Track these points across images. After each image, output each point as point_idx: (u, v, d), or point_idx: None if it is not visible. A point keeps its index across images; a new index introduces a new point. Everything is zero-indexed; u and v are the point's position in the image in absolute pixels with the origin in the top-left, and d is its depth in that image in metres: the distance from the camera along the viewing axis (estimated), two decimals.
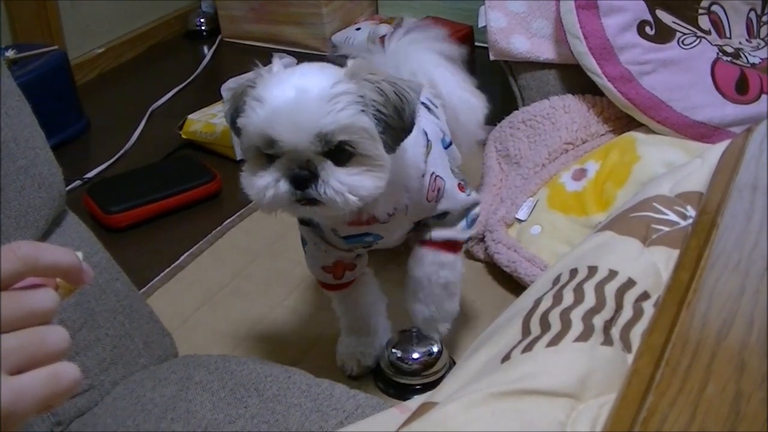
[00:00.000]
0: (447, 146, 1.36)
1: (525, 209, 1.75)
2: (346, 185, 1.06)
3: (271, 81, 1.07)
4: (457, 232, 1.34)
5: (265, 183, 1.08)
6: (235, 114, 1.12)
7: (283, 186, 1.07)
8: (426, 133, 1.26)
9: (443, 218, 1.32)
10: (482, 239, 1.75)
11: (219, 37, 3.05)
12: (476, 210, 1.36)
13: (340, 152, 1.06)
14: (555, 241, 1.66)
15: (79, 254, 0.58)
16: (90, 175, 2.21)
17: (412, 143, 1.19)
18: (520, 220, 1.74)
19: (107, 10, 2.85)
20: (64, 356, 0.54)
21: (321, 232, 1.30)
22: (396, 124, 1.08)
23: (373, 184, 1.08)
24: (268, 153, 1.07)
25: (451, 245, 1.35)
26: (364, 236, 1.26)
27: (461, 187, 1.32)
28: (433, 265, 1.34)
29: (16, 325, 0.52)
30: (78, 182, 2.15)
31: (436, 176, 1.25)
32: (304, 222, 1.31)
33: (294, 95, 1.03)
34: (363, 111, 1.05)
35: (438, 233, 1.33)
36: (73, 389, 0.54)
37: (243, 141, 1.11)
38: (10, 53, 2.24)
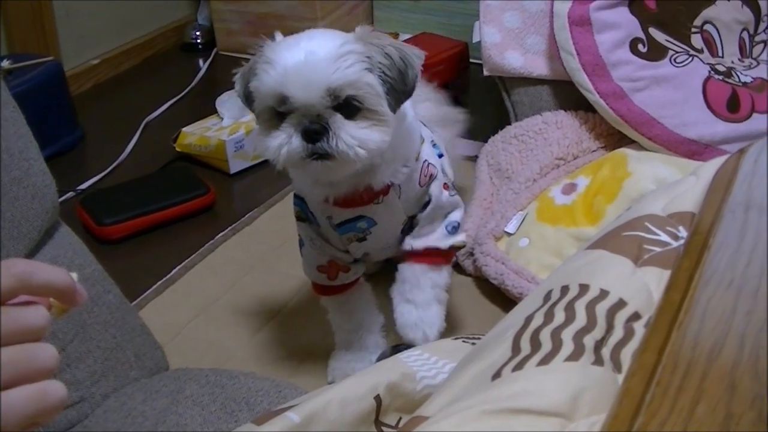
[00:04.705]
0: (439, 156, 1.40)
1: (514, 222, 1.76)
2: (356, 139, 1.13)
3: (280, 45, 1.15)
4: (438, 239, 1.36)
5: (278, 141, 1.14)
6: (246, 87, 1.17)
7: (296, 141, 1.14)
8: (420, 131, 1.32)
9: (425, 209, 1.33)
10: (471, 254, 1.75)
11: (215, 50, 3.06)
12: (456, 215, 1.38)
13: (348, 107, 1.13)
14: (543, 252, 1.66)
15: (74, 275, 0.58)
16: (83, 186, 2.20)
17: (412, 115, 1.28)
18: (509, 234, 1.75)
19: (103, 21, 2.85)
20: (52, 374, 0.54)
21: (317, 227, 1.34)
22: (399, 86, 1.15)
23: (380, 138, 1.15)
24: (280, 111, 1.13)
25: (435, 254, 1.37)
26: (357, 221, 1.28)
27: (446, 187, 1.36)
28: (420, 269, 1.38)
29: (5, 341, 0.52)
30: (71, 193, 2.15)
31: (429, 163, 1.31)
32: (301, 218, 1.35)
33: (304, 56, 1.11)
34: (369, 70, 1.12)
35: (419, 242, 1.36)
36: (59, 408, 0.54)
37: (256, 104, 1.17)
38: (5, 63, 2.24)
